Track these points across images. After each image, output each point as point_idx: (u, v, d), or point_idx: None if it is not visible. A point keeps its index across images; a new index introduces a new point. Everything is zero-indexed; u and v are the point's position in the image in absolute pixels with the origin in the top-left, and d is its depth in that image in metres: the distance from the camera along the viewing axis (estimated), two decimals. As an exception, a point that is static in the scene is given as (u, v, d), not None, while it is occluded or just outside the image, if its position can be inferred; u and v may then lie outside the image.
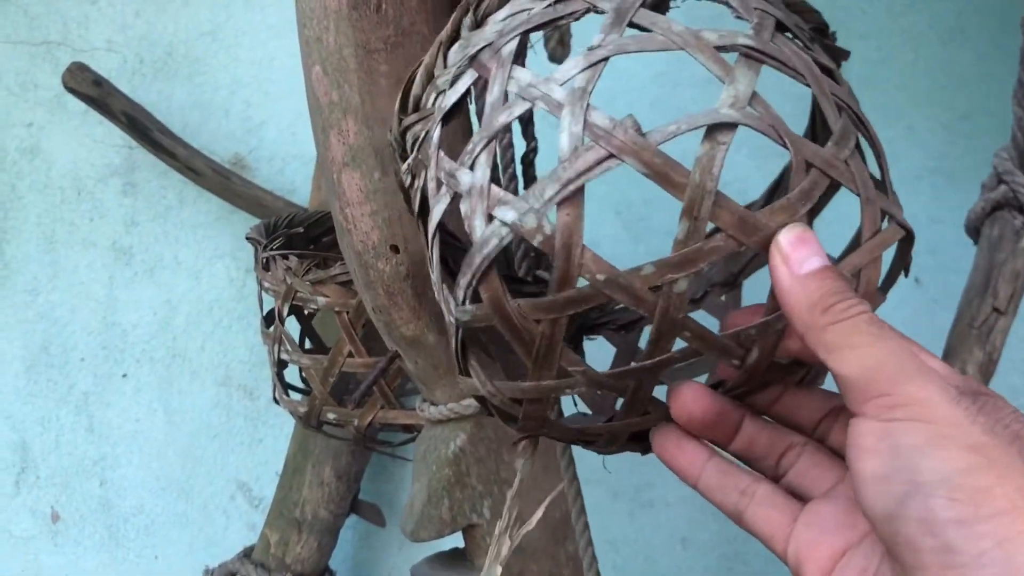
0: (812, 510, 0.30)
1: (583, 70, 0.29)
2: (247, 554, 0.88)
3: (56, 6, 1.06)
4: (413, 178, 0.35)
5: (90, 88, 0.92)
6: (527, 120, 0.52)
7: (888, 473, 0.24)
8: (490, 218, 0.30)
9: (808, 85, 0.31)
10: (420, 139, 0.34)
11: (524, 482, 0.38)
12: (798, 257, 0.26)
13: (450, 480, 0.52)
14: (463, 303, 0.31)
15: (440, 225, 0.33)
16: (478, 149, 0.31)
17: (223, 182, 0.93)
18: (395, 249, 0.50)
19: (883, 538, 0.25)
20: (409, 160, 0.36)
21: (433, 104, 0.34)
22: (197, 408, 1.05)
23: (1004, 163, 0.47)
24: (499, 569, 0.33)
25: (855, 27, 0.82)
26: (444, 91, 0.34)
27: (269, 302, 0.68)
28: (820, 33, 0.36)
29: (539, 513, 0.36)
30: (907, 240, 0.32)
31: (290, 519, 0.86)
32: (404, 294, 0.50)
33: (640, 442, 0.35)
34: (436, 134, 0.33)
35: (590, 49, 0.30)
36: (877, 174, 0.33)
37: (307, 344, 0.74)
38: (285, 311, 0.59)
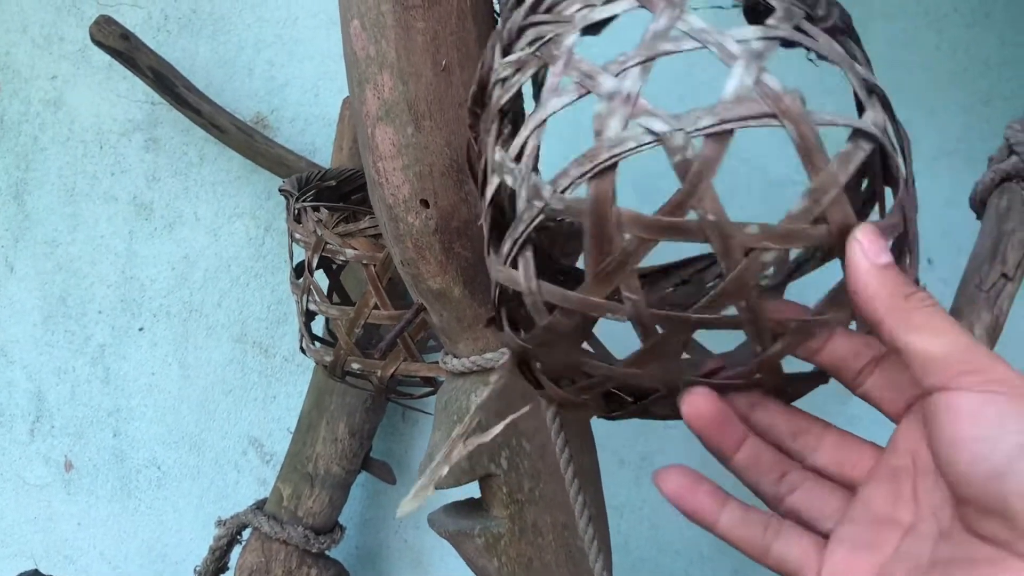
0: (839, 534, 0.32)
1: (762, 38, 0.31)
2: (259, 506, 0.90)
3: (83, -41, 1.07)
4: (516, 72, 0.36)
5: (117, 42, 0.92)
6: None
7: (996, 435, 0.27)
8: (626, 125, 0.31)
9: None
10: (544, 39, 0.35)
11: (493, 395, 0.38)
12: (875, 250, 0.29)
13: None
14: (562, 192, 0.31)
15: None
16: (632, 62, 0.31)
17: (247, 140, 0.94)
18: (425, 203, 0.51)
19: (980, 497, 0.27)
20: (521, 53, 0.36)
21: (576, 12, 0.35)
22: (212, 363, 1.06)
23: (1016, 135, 0.48)
24: (446, 469, 0.34)
25: (879, 7, 0.82)
26: (594, 5, 0.34)
27: (299, 255, 0.70)
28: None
29: (497, 428, 0.36)
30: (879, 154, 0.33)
31: (303, 473, 0.88)
32: (432, 248, 0.52)
33: (663, 405, 0.36)
34: (572, 39, 0.34)
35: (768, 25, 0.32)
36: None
37: (335, 299, 0.76)
38: (315, 262, 0.60)
